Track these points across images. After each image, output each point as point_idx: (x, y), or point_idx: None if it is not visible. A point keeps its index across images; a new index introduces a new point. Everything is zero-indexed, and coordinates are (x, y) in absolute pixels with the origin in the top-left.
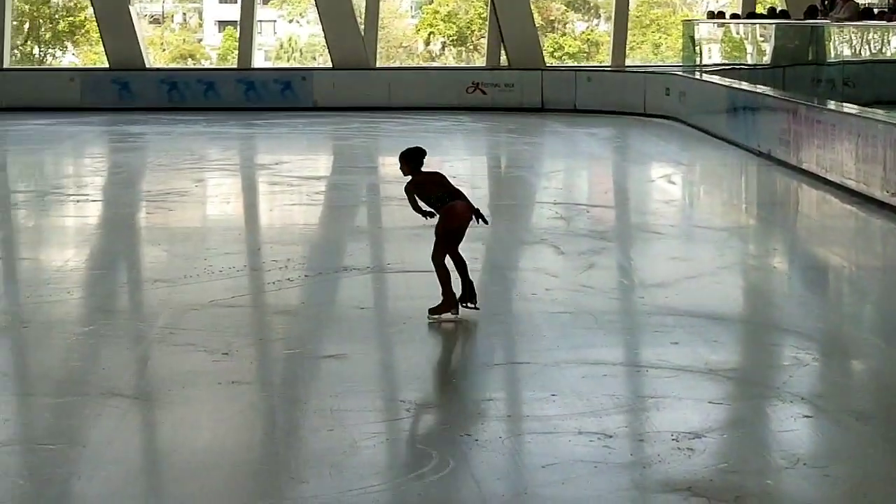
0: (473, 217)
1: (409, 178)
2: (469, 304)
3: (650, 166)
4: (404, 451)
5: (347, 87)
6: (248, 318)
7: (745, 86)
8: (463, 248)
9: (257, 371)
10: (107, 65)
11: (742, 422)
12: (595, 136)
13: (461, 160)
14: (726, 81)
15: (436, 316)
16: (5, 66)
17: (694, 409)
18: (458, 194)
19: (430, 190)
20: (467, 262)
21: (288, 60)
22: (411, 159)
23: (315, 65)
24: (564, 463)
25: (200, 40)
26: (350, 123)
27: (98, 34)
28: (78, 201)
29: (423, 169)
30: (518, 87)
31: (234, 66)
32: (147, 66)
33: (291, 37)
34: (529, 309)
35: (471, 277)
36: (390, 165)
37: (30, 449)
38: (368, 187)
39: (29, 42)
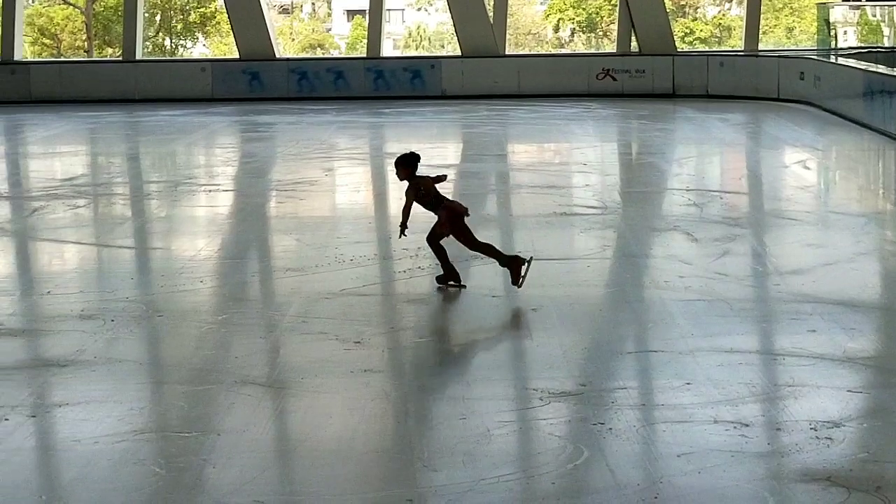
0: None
1: (406, 181)
2: (522, 273)
3: (784, 152)
4: (537, 440)
5: (476, 74)
6: (379, 306)
7: (882, 69)
8: (594, 236)
9: (389, 359)
10: (237, 55)
11: (882, 411)
12: (728, 121)
13: (592, 147)
14: (862, 65)
15: (441, 285)
16: (138, 57)
17: (832, 397)
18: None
19: (428, 193)
20: (493, 245)
21: (416, 49)
22: (409, 164)
23: (443, 53)
24: (700, 452)
25: (329, 30)
26: (478, 111)
27: (228, 25)
28: (209, 191)
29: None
30: (649, 73)
31: (363, 55)
32: (277, 56)
33: (420, 25)
34: (662, 296)
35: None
36: (520, 153)
37: (165, 437)
38: (498, 175)
39: (161, 33)
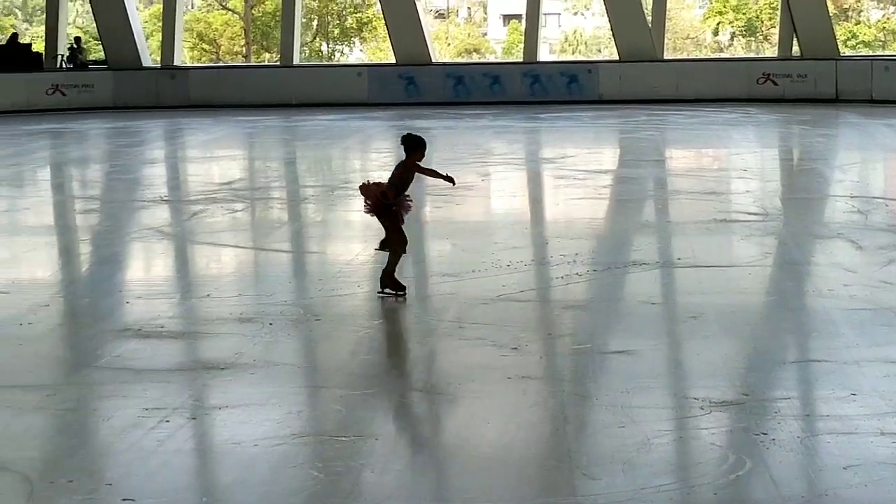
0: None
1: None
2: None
3: None
4: (698, 450)
5: (634, 79)
6: (536, 312)
7: None
8: (755, 243)
9: (546, 366)
10: (393, 60)
11: None
12: (893, 127)
13: (752, 152)
14: None
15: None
16: (295, 62)
17: None
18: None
19: (410, 179)
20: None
21: (572, 53)
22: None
23: (600, 57)
24: (867, 465)
25: (485, 34)
26: (636, 116)
27: (385, 30)
28: None
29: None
30: (811, 78)
31: (520, 59)
32: (433, 60)
33: (576, 29)
34: (825, 305)
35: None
36: (678, 158)
37: (322, 441)
38: (656, 181)
39: (317, 39)
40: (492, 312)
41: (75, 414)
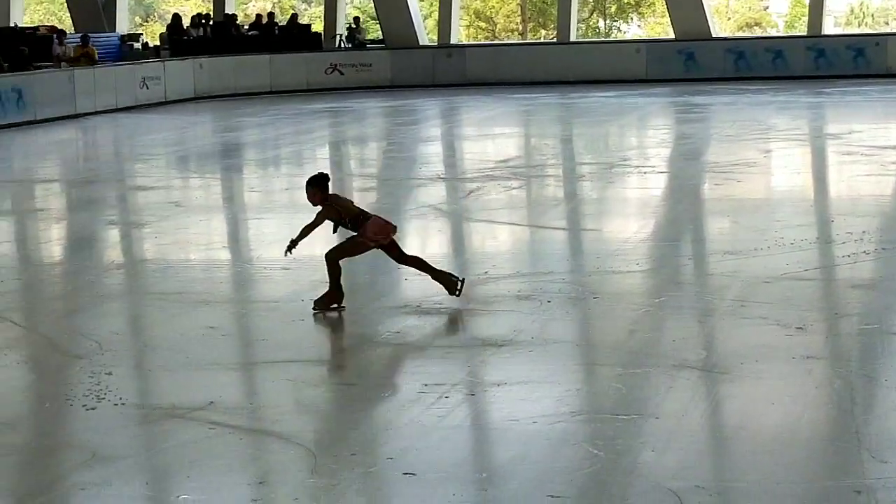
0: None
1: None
2: (458, 291)
3: None
4: None
5: None
6: (820, 291)
7: None
8: None
9: (832, 346)
10: (672, 35)
11: None
12: None
13: None
14: None
15: (319, 310)
16: (571, 39)
17: None
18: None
19: (346, 211)
20: (422, 257)
21: (858, 26)
22: (320, 185)
23: (888, 30)
24: None
25: (766, 8)
26: None
27: (664, 5)
28: (643, 173)
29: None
30: None
31: (803, 33)
32: (713, 35)
33: (862, 2)
34: None
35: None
36: None
37: (601, 419)
38: None
39: (594, 15)
40: (775, 291)
41: (356, 388)
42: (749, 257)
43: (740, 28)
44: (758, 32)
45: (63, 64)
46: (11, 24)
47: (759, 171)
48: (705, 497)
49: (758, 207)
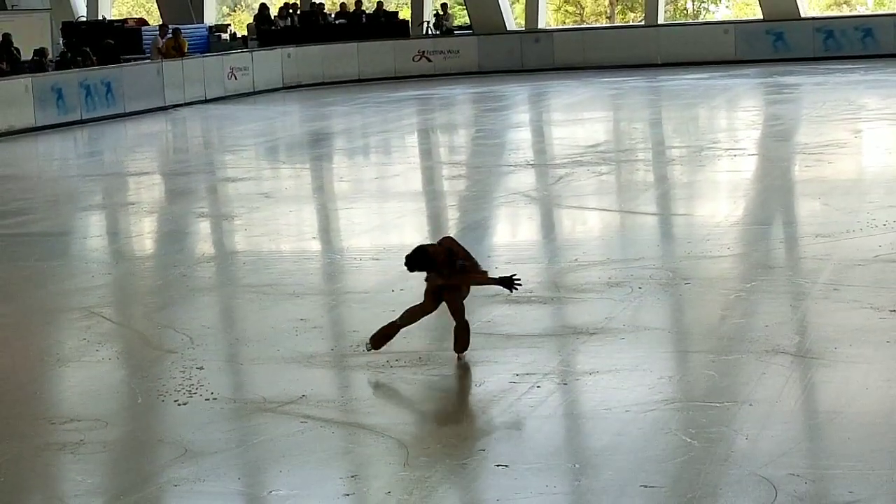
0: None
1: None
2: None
3: None
4: None
5: None
6: None
7: None
8: None
9: None
10: (760, 16)
11: None
12: None
13: None
14: None
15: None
16: (660, 21)
17: None
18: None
19: (456, 257)
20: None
21: None
22: (425, 263)
23: None
24: None
25: None
26: None
27: None
28: (734, 155)
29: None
30: None
31: (893, 11)
32: (801, 15)
33: None
34: None
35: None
36: None
37: (694, 407)
38: None
39: None
40: (868, 274)
41: (447, 379)
42: (841, 240)
43: (829, 7)
44: (846, 11)
45: (160, 57)
46: (100, 17)
47: (851, 152)
48: (800, 485)
49: (849, 189)
